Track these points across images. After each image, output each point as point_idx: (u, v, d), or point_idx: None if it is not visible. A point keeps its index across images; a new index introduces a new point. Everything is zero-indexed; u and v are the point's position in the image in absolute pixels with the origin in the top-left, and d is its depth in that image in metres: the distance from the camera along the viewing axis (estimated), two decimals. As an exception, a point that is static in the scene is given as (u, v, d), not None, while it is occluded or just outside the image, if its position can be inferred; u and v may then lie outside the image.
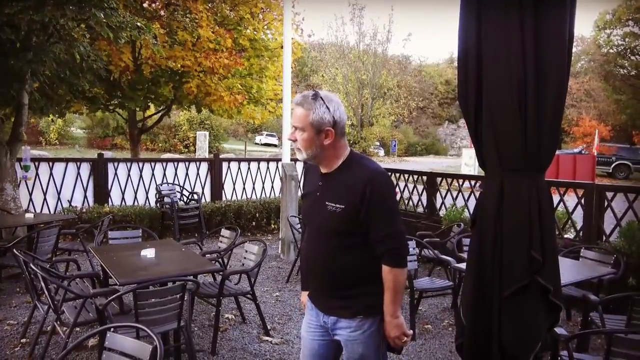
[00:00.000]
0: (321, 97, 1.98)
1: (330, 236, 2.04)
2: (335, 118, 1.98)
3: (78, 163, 8.46)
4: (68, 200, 8.22)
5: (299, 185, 8.50)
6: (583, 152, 23.56)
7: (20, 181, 7.54)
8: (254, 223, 8.92)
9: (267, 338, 4.29)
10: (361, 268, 2.03)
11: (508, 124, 2.09)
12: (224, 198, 9.51)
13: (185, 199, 8.85)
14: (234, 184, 9.73)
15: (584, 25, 35.00)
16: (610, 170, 24.97)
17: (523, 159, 2.09)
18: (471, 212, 5.01)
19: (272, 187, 10.14)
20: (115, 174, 8.63)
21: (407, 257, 2.05)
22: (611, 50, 33.72)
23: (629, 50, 32.87)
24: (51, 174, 8.18)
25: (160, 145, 30.68)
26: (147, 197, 8.86)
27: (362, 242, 2.00)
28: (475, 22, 2.14)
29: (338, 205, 1.98)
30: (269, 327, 4.47)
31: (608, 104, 34.33)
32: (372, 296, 2.02)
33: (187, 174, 9.27)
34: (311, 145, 1.99)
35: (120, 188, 8.67)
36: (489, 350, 2.17)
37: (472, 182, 7.24)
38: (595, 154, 21.61)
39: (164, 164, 9.21)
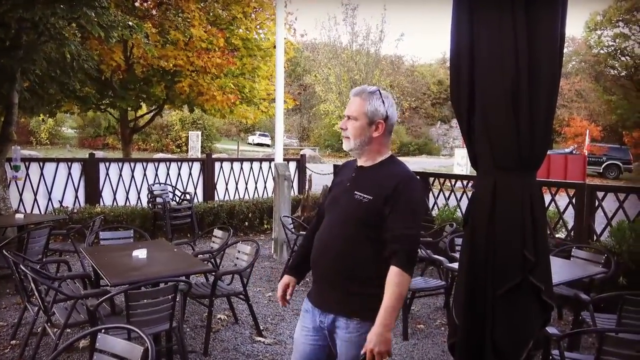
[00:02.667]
0: (379, 92, 2.10)
1: (350, 223, 2.05)
2: (388, 113, 2.10)
3: (69, 163, 8.39)
4: (59, 201, 8.16)
5: (292, 186, 8.49)
6: (574, 152, 23.72)
7: (10, 181, 7.47)
8: (246, 223, 8.90)
9: (259, 338, 4.28)
10: (372, 263, 2.01)
11: (500, 123, 2.10)
12: (216, 198, 9.48)
13: (177, 199, 8.82)
14: (227, 184, 9.70)
15: (575, 26, 35.33)
16: (601, 170, 25.17)
17: (515, 157, 2.09)
18: (463, 211, 5.03)
19: (265, 187, 10.13)
20: (107, 174, 8.58)
21: (414, 266, 2.05)
22: (602, 51, 33.97)
23: (619, 51, 33.12)
24: (42, 174, 8.11)
25: (152, 145, 30.55)
26: (139, 198, 8.81)
27: (380, 236, 2.00)
28: (468, 21, 2.14)
29: (366, 196, 2.02)
30: (261, 328, 4.46)
31: (599, 105, 34.60)
32: (374, 300, 1.96)
33: (179, 174, 9.23)
34: (361, 134, 2.08)
35: (112, 188, 8.61)
36: (481, 349, 2.18)
37: (465, 182, 7.27)
38: (586, 154, 21.77)
39: (156, 163, 9.17)
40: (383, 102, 2.08)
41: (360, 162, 2.16)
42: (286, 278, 2.32)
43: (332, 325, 2.07)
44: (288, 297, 2.31)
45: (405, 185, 2.00)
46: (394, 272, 1.94)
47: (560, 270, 3.84)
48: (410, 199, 2.00)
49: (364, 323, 1.99)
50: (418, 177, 2.13)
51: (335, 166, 9.62)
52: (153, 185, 8.73)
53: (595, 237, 5.41)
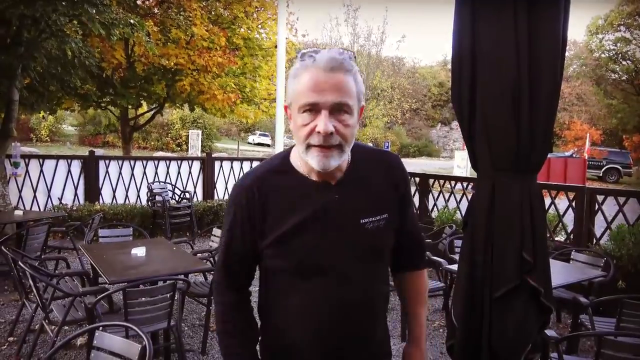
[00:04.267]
0: (354, 55, 1.33)
1: (371, 264, 1.37)
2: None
3: (69, 160, 8.39)
4: (58, 198, 8.15)
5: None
6: (574, 155, 23.73)
7: (9, 178, 7.46)
8: (245, 222, 8.88)
9: (257, 338, 4.27)
10: (388, 296, 1.47)
11: (501, 125, 2.09)
12: (216, 197, 9.47)
13: (177, 197, 8.81)
14: (227, 183, 9.70)
15: (577, 30, 35.41)
16: (601, 174, 25.17)
17: (516, 160, 2.09)
18: (463, 213, 5.02)
19: (265, 186, 10.11)
20: (107, 171, 8.57)
21: None
22: (603, 55, 33.99)
23: (620, 55, 33.14)
24: (41, 171, 8.10)
25: (152, 143, 30.54)
26: (138, 196, 8.81)
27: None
28: (470, 23, 2.14)
29: (380, 216, 1.35)
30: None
31: (599, 108, 34.63)
32: (389, 340, 1.49)
33: (179, 172, 9.23)
34: (354, 133, 1.31)
35: (112, 186, 8.61)
36: (479, 351, 2.17)
37: (464, 184, 7.26)
38: (586, 157, 21.78)
39: (156, 162, 9.16)
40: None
41: (322, 178, 1.32)
42: None
43: None
44: None
45: (404, 172, 1.47)
46: (424, 276, 1.55)
47: (560, 273, 3.84)
48: (409, 185, 1.51)
49: None
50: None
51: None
52: (153, 183, 8.72)
53: (594, 241, 5.41)
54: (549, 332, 2.62)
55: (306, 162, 1.28)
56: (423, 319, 1.54)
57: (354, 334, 1.35)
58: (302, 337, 1.34)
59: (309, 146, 1.25)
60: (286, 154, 1.39)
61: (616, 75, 34.66)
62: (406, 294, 1.57)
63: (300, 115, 1.25)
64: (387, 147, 36.14)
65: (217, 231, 5.26)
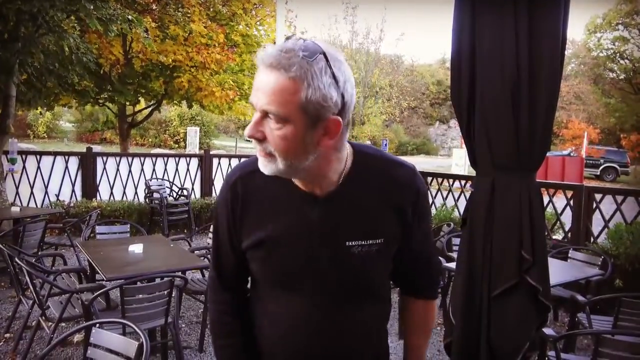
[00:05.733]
0: (324, 56, 1.01)
1: (359, 298, 1.22)
2: (345, 96, 1.04)
3: (66, 157, 8.35)
4: (55, 195, 8.12)
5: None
6: (572, 154, 23.78)
7: (6, 174, 7.43)
8: (243, 220, 8.87)
9: (255, 335, 4.27)
10: (385, 316, 1.34)
11: (500, 123, 2.09)
12: (213, 194, 9.45)
13: (174, 194, 8.80)
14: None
15: (575, 29, 35.39)
16: (598, 173, 25.21)
17: (515, 158, 2.09)
18: (461, 211, 5.03)
19: (263, 184, 10.10)
20: (104, 168, 8.54)
21: None
22: (601, 54, 34.04)
23: (618, 54, 33.19)
24: (38, 167, 8.07)
25: (150, 140, 30.45)
26: (136, 192, 8.78)
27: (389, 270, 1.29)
28: (470, 20, 2.13)
29: (372, 241, 1.17)
30: (257, 325, 4.44)
31: (597, 107, 34.69)
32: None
33: (177, 169, 9.20)
34: (297, 148, 1.04)
35: (109, 183, 8.58)
36: (477, 349, 2.17)
37: (463, 182, 7.27)
38: (584, 156, 21.82)
39: (154, 159, 9.13)
40: (334, 76, 1.01)
41: (308, 187, 1.15)
42: None
43: None
44: None
45: (420, 190, 1.23)
46: (431, 308, 1.39)
47: (557, 271, 3.84)
48: (428, 205, 1.30)
49: None
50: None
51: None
52: (150, 180, 8.70)
53: (592, 239, 5.42)
54: (547, 331, 2.62)
55: None
56: (423, 352, 1.40)
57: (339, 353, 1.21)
58: (271, 350, 1.25)
59: None
60: None
61: (614, 74, 34.74)
62: (407, 323, 1.41)
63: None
64: (385, 145, 36.17)
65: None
